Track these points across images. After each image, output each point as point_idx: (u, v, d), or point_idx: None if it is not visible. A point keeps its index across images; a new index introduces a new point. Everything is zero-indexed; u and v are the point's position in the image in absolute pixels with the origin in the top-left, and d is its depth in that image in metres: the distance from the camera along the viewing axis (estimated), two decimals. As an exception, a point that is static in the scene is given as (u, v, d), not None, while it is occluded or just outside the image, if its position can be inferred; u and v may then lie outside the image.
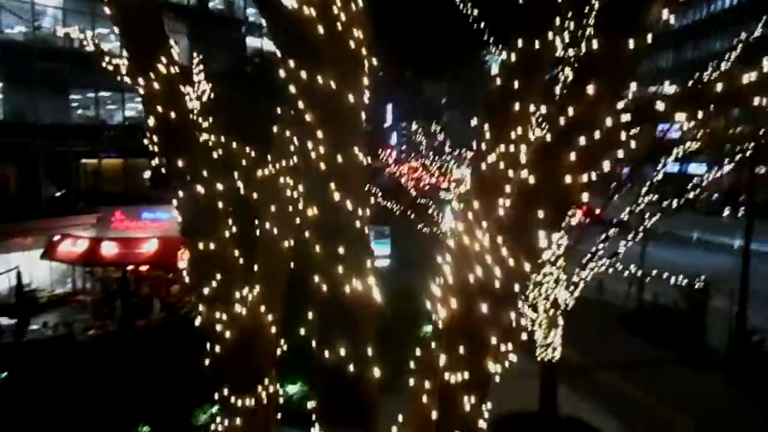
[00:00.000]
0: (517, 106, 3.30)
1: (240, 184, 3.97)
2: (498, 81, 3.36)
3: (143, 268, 24.98)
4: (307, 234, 3.15)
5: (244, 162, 4.01)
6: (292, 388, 13.04)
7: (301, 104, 3.10)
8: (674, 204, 11.52)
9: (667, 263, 17.65)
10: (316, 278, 3.18)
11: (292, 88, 3.12)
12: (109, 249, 24.30)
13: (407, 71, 77.59)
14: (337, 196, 3.08)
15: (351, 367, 3.22)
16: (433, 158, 20.85)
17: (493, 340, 3.26)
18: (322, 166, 3.09)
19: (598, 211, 15.83)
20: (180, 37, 31.48)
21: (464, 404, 3.28)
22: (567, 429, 12.35)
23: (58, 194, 27.74)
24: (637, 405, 13.70)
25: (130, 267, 24.54)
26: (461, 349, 3.29)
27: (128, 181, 30.56)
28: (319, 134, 3.05)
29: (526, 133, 3.39)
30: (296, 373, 13.10)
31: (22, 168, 26.17)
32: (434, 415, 3.39)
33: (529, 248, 3.18)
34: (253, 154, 4.07)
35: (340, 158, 3.06)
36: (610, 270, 11.64)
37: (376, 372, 3.37)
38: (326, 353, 3.23)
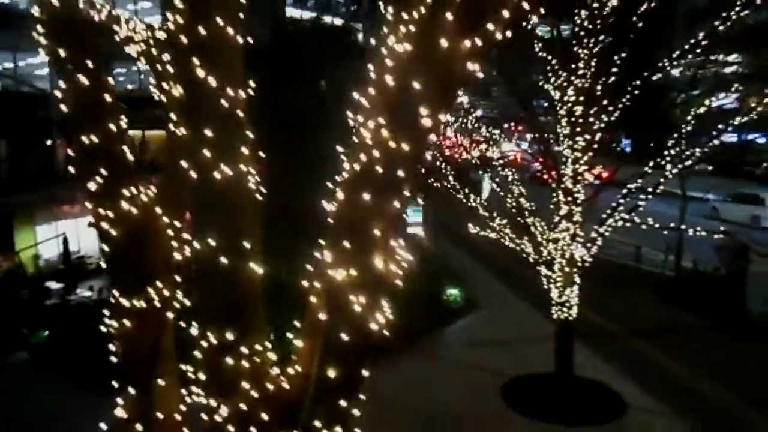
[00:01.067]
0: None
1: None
2: None
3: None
4: (173, 116, 2.96)
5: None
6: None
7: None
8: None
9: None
10: (184, 163, 3.00)
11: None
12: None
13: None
14: (200, 72, 2.87)
15: (224, 259, 3.04)
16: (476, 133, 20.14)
17: (378, 233, 3.00)
18: (183, 39, 2.88)
19: (606, 174, 15.14)
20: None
21: (353, 304, 3.04)
22: (583, 390, 11.86)
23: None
24: (664, 372, 13.02)
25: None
26: (345, 244, 3.04)
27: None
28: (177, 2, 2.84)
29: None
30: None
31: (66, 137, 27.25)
32: (322, 316, 3.18)
33: (410, 128, 2.88)
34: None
35: (202, 30, 2.85)
36: (630, 225, 10.97)
37: (257, 267, 3.17)
38: (198, 244, 3.06)
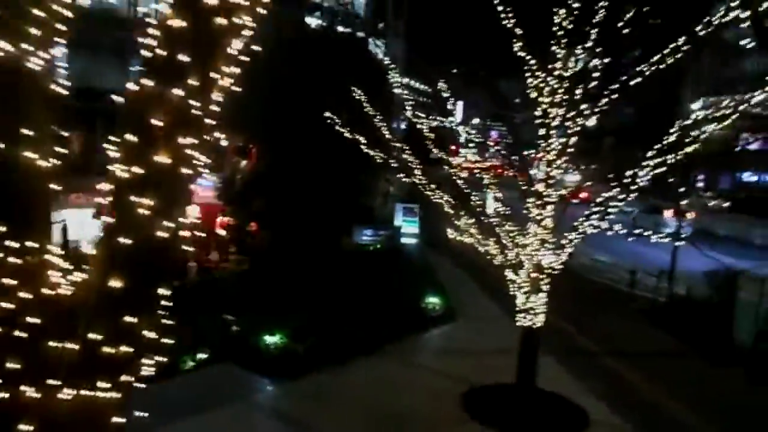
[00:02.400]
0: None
1: None
2: None
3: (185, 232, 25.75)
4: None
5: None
6: (271, 339, 12.93)
7: None
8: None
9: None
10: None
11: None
12: (152, 211, 25.15)
13: (482, 69, 76.61)
14: None
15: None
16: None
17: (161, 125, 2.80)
18: None
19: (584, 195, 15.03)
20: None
21: (137, 207, 2.84)
22: (545, 403, 11.40)
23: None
24: (635, 392, 12.49)
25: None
26: (130, 138, 2.85)
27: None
28: None
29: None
30: (277, 326, 13.13)
31: (84, 130, 27.68)
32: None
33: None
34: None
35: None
36: (599, 230, 10.57)
37: (44, 161, 2.93)
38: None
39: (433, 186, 11.85)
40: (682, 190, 23.06)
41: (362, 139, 12.56)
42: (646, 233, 10.33)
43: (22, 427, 2.81)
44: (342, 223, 22.33)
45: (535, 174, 11.35)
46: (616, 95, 10.46)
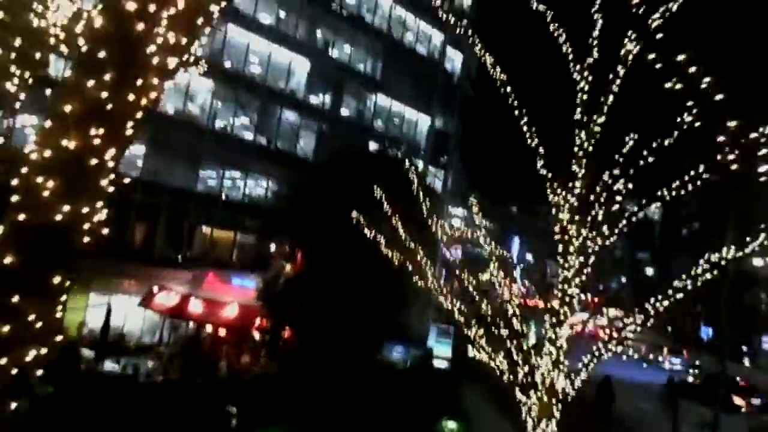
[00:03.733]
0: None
1: None
2: None
3: (222, 330, 25.95)
4: None
5: None
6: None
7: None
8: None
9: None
10: None
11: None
12: (195, 306, 25.61)
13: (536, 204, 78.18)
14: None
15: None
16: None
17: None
18: None
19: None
20: (309, 135, 34.70)
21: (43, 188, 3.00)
22: None
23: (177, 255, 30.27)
24: None
25: (209, 327, 25.72)
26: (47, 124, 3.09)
27: (239, 251, 32.80)
28: None
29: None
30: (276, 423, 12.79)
31: (146, 222, 29.51)
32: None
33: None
34: None
35: None
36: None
37: None
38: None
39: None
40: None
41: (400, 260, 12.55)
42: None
43: None
44: (374, 339, 21.95)
45: (555, 293, 11.01)
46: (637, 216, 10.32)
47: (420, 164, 37.14)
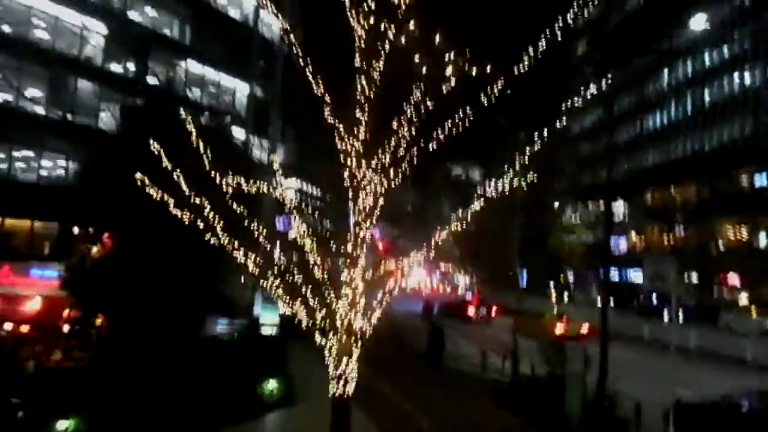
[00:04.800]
0: None
1: None
2: None
3: (24, 327, 23.50)
4: None
5: None
6: (63, 425, 11.51)
7: None
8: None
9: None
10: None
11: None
12: (-13, 304, 22.92)
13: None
14: None
15: None
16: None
17: None
18: None
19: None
20: (112, 107, 31.90)
21: None
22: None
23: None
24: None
25: (8, 325, 23.21)
26: None
27: (38, 240, 29.56)
28: None
29: None
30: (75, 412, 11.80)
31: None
32: None
33: None
34: None
35: None
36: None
37: None
38: None
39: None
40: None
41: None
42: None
43: None
44: (193, 315, 21.08)
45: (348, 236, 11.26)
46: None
47: (243, 134, 35.90)
